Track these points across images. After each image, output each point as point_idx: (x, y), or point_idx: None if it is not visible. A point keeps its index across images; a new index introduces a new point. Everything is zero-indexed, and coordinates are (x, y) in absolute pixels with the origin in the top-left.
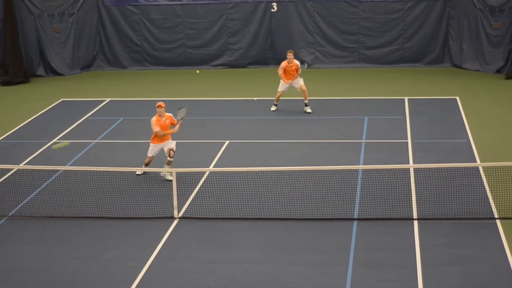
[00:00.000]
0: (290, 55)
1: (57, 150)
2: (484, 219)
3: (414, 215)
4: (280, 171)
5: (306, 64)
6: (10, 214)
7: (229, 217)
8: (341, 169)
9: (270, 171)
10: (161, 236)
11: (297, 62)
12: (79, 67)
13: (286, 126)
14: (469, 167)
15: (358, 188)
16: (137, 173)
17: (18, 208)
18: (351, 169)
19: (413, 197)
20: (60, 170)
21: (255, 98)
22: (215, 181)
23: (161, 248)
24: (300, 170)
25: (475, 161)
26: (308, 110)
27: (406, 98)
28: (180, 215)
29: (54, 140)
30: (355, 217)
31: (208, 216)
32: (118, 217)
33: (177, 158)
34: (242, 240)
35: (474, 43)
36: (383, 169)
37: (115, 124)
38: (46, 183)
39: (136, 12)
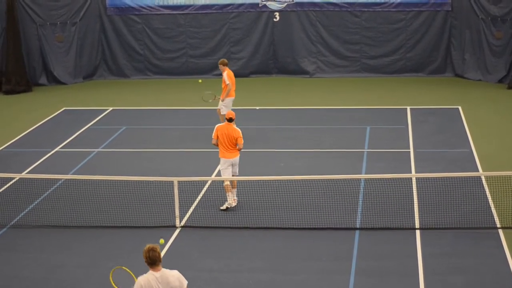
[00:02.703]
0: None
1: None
2: (486, 228)
3: (416, 224)
4: (282, 180)
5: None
6: (12, 223)
7: (231, 226)
8: (343, 178)
9: (272, 180)
10: (163, 245)
11: (224, 73)
12: (82, 76)
13: (288, 135)
14: (471, 176)
15: (360, 197)
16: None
17: (20, 216)
18: (353, 178)
19: (415, 207)
20: (62, 179)
21: (258, 108)
22: (217, 190)
23: (163, 257)
24: (302, 179)
25: (477, 171)
26: None
27: (408, 108)
28: (182, 224)
29: (57, 149)
30: (357, 226)
31: (210, 225)
32: (120, 226)
33: (179, 167)
34: (244, 249)
35: (476, 53)
36: (385, 178)
37: (117, 133)
38: (48, 192)
39: (138, 21)
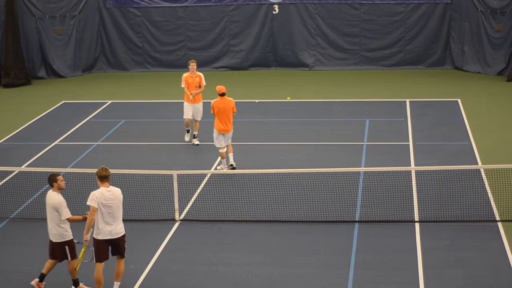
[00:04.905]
0: (193, 64)
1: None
2: (486, 221)
3: (415, 217)
4: (281, 173)
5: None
6: (11, 216)
7: (230, 219)
8: (342, 172)
9: (271, 173)
10: (163, 238)
11: (201, 74)
12: (81, 69)
13: (287, 128)
14: (471, 169)
15: (359, 190)
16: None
17: (19, 210)
18: (352, 172)
19: (414, 200)
20: (61, 172)
21: (257, 100)
22: (216, 183)
23: (162, 251)
24: (301, 173)
25: (477, 164)
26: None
27: (407, 101)
28: (182, 217)
29: (56, 142)
30: (357, 219)
31: (209, 219)
32: None
33: (178, 161)
34: (243, 242)
35: (476, 45)
36: (385, 171)
37: (116, 126)
38: (47, 185)
39: (137, 14)
